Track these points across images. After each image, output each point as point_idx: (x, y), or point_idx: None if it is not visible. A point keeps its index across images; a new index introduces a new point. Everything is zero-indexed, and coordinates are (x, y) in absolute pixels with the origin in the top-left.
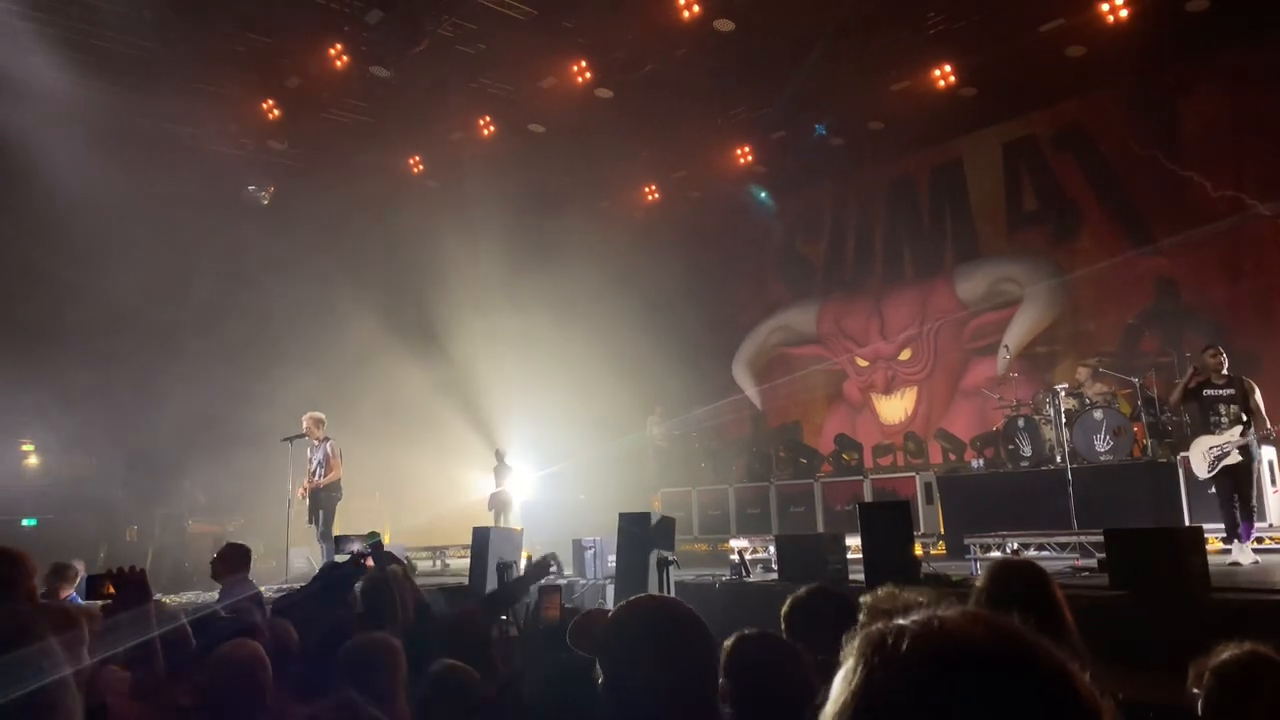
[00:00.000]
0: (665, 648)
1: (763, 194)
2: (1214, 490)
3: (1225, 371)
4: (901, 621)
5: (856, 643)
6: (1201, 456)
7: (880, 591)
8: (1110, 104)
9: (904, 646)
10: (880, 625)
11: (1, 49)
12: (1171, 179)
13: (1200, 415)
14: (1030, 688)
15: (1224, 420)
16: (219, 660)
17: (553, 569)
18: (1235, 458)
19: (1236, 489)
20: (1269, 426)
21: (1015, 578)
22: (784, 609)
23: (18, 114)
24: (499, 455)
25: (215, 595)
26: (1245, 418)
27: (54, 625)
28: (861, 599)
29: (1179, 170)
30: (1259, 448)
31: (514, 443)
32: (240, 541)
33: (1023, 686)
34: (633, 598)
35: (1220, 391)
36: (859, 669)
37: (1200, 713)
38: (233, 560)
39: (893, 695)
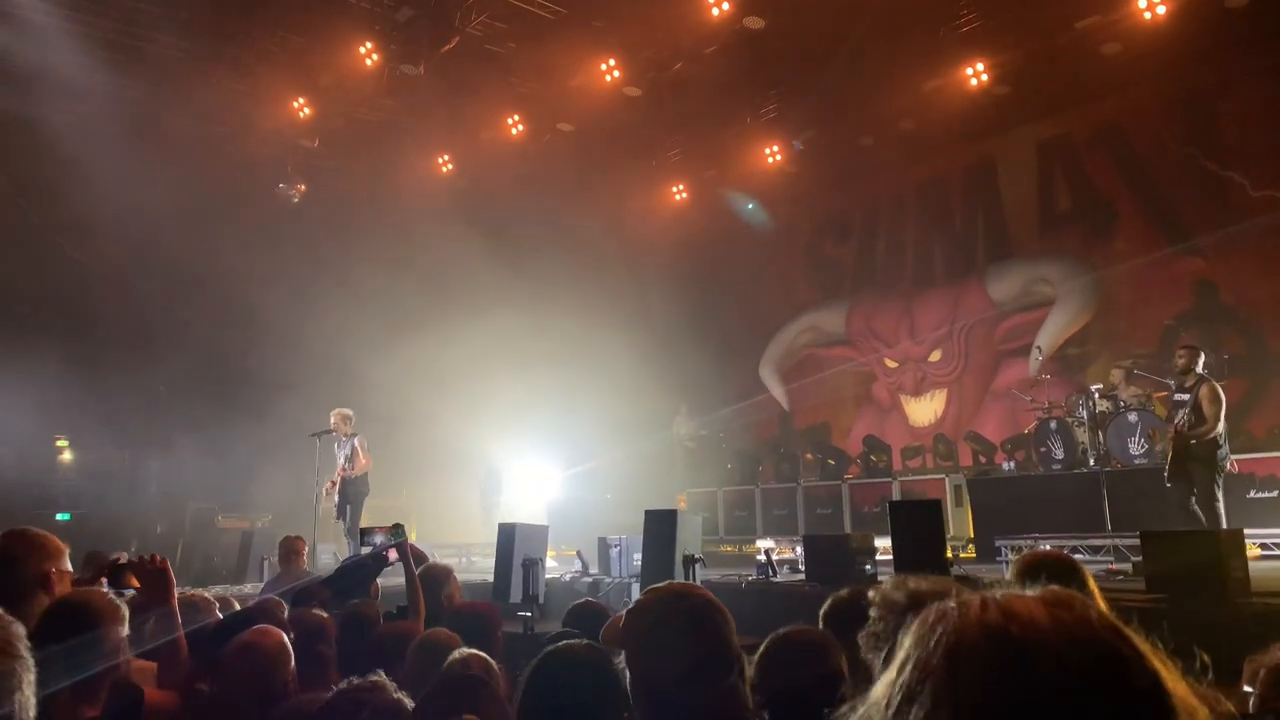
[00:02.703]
0: (683, 630)
1: (750, 205)
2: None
3: (1195, 370)
4: (954, 601)
5: (913, 626)
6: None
7: (889, 583)
8: (1147, 102)
9: (961, 621)
10: (936, 605)
11: (42, 49)
12: (1210, 178)
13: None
14: (1090, 652)
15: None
16: (240, 648)
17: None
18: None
19: (1195, 489)
20: (1213, 431)
21: (1044, 569)
22: (824, 609)
23: (56, 112)
24: (490, 471)
25: (244, 589)
26: (1198, 423)
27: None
28: (870, 593)
29: (1218, 170)
30: (1217, 445)
31: (540, 442)
32: (291, 535)
33: (1083, 651)
34: (651, 587)
35: (1182, 396)
36: (917, 647)
37: (1252, 710)
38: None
39: (953, 667)
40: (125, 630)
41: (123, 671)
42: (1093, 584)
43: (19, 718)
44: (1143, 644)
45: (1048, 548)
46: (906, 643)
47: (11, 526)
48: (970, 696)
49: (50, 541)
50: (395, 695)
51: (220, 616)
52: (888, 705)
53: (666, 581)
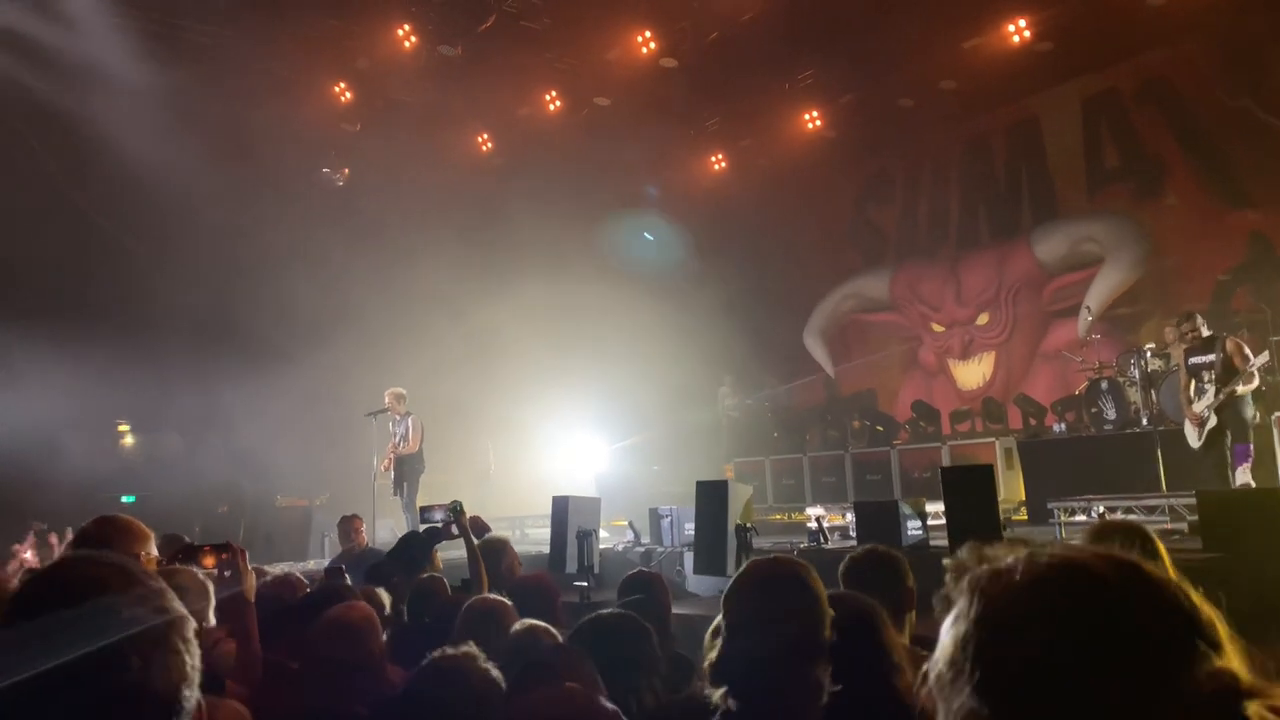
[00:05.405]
0: (772, 598)
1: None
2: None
3: (1205, 334)
4: (1007, 559)
5: (965, 582)
6: (1190, 425)
7: (964, 551)
8: (1196, 54)
9: (1018, 575)
10: (986, 564)
11: (86, 40)
12: (1264, 130)
13: (1189, 385)
14: (1147, 599)
15: (1206, 387)
16: (331, 622)
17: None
18: (1214, 420)
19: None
20: (1255, 382)
21: (1115, 536)
22: (840, 568)
23: (104, 103)
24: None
25: (308, 565)
26: (1227, 379)
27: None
28: (945, 560)
29: (1273, 120)
30: (1247, 405)
31: (588, 416)
32: (348, 514)
33: (1140, 598)
34: (753, 559)
35: (1203, 358)
36: (975, 602)
37: None
38: (343, 530)
39: (1013, 618)
40: (211, 606)
41: (212, 643)
42: (1163, 550)
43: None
44: (1182, 582)
45: (1101, 510)
46: (961, 600)
47: (80, 509)
48: (1031, 626)
49: (137, 526)
50: (484, 665)
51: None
52: (948, 660)
53: (772, 555)
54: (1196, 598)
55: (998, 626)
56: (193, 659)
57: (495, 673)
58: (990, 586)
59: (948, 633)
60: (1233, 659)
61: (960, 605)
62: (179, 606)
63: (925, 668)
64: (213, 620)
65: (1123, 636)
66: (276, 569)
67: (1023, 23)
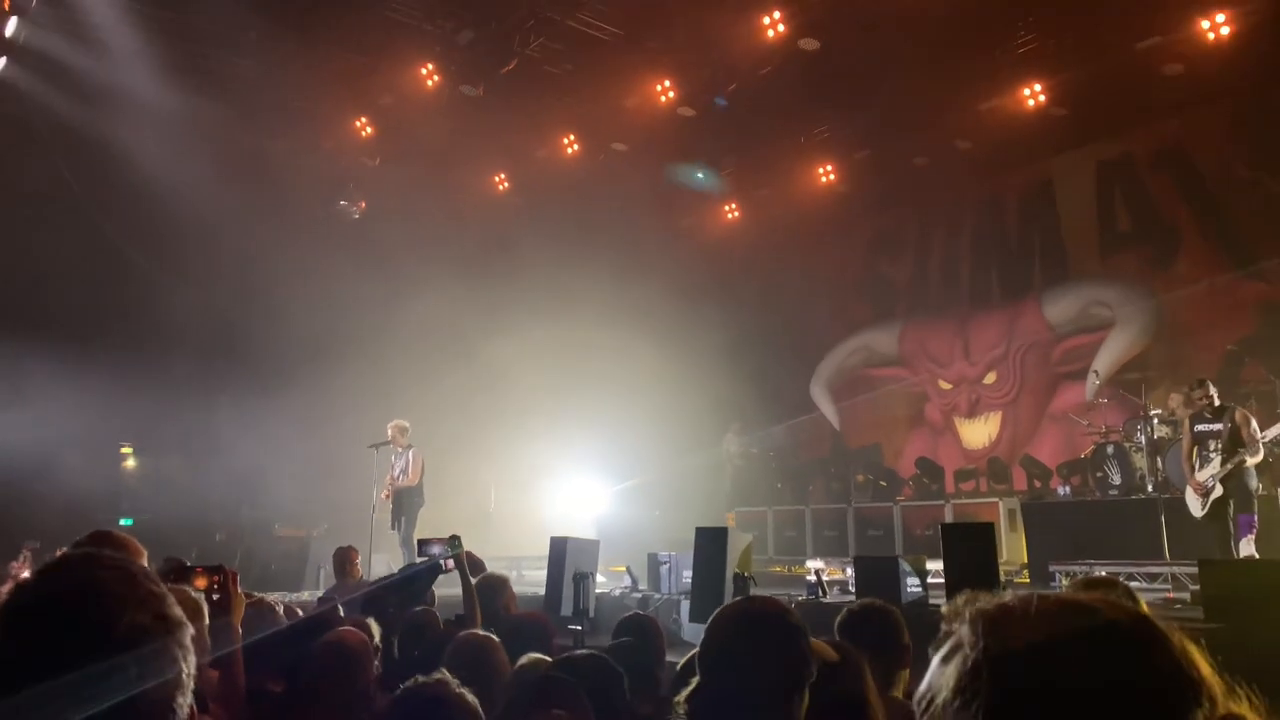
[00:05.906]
0: (749, 636)
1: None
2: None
3: (1216, 404)
4: (1005, 599)
5: (968, 614)
6: (1193, 493)
7: (960, 599)
8: (1212, 123)
9: (1030, 610)
10: (981, 605)
11: (115, 70)
12: (1275, 200)
13: (1192, 451)
14: (1154, 638)
15: (1211, 455)
16: (327, 646)
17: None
18: (1219, 490)
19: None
20: (1260, 456)
21: (1102, 588)
22: (837, 620)
23: (129, 131)
24: None
25: (302, 595)
26: (1233, 449)
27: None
28: (943, 608)
29: None
30: (1251, 476)
31: (590, 456)
32: (344, 545)
33: (1148, 636)
34: (730, 601)
35: (1210, 426)
36: (983, 634)
37: None
38: (338, 561)
39: (1027, 650)
40: (206, 624)
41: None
42: (1145, 607)
43: (183, 684)
44: (1169, 627)
45: (1103, 575)
46: (964, 632)
47: (77, 530)
48: (1045, 657)
49: (131, 543)
50: (459, 690)
51: (287, 621)
52: (956, 687)
53: (748, 596)
54: (1193, 647)
55: (1011, 657)
56: (189, 666)
57: (471, 698)
58: (1000, 620)
59: (948, 663)
60: (1242, 705)
61: (964, 637)
62: (178, 613)
63: (919, 694)
64: (206, 639)
65: (1139, 672)
66: (269, 599)
67: (1038, 87)
